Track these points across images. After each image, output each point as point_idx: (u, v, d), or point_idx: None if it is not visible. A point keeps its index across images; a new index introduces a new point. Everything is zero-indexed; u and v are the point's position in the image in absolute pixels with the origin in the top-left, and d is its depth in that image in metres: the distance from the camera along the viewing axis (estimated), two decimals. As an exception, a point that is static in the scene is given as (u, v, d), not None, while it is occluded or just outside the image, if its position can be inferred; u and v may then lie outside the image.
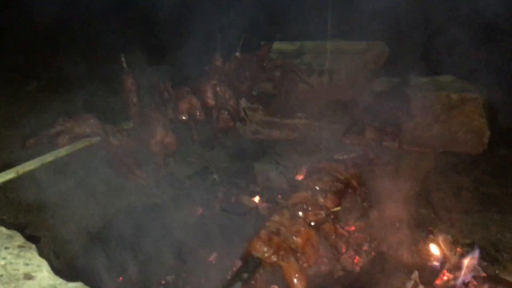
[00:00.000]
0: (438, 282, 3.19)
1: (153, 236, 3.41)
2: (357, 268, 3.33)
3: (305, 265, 2.02)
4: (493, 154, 5.27)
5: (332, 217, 2.22)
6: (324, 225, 2.18)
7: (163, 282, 3.00)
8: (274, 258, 1.89)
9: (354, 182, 2.53)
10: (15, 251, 1.48)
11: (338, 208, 2.24)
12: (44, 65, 5.90)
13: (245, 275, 1.81)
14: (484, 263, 3.46)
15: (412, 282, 3.01)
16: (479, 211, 4.23)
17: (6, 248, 1.49)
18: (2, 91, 5.38)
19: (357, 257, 3.49)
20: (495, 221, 4.09)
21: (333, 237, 2.26)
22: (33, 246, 1.52)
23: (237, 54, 2.97)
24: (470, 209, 4.26)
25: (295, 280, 1.91)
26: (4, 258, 1.43)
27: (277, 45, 3.65)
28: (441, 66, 3.96)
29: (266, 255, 1.88)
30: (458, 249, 3.55)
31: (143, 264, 3.10)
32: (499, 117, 5.53)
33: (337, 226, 2.29)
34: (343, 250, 3.52)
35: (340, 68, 3.47)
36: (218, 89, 2.62)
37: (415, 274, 3.05)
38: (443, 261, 3.35)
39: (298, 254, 1.99)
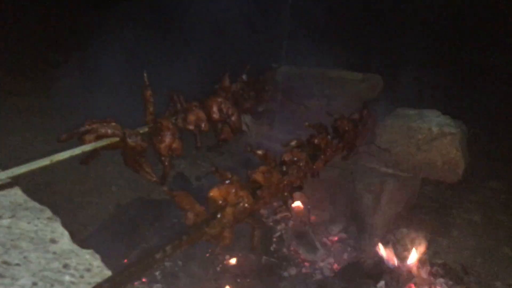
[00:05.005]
0: (403, 293, 3.54)
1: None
2: (333, 274, 3.71)
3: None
4: (483, 186, 5.62)
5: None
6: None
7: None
8: None
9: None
10: (45, 221, 1.90)
11: None
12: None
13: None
14: (450, 283, 3.82)
15: (378, 289, 3.38)
16: (457, 236, 4.57)
17: (38, 218, 1.92)
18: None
19: (335, 265, 3.87)
20: (469, 246, 4.41)
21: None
22: (58, 219, 1.95)
23: (243, 76, 3.38)
24: (449, 233, 4.59)
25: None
26: (36, 226, 1.87)
27: (284, 69, 4.07)
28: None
29: None
30: (428, 267, 3.91)
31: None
32: (491, 150, 5.89)
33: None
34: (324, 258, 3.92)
35: (337, 94, 3.86)
36: (223, 105, 3.04)
37: (382, 283, 3.42)
38: (412, 275, 3.70)
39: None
